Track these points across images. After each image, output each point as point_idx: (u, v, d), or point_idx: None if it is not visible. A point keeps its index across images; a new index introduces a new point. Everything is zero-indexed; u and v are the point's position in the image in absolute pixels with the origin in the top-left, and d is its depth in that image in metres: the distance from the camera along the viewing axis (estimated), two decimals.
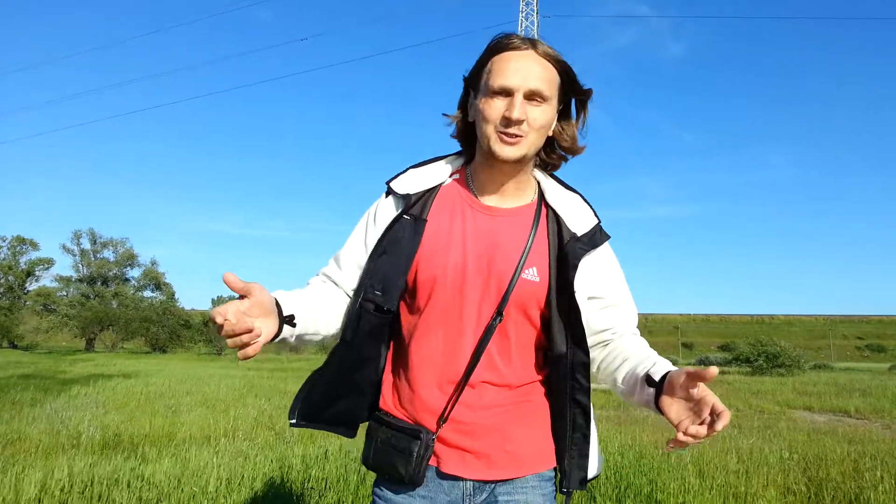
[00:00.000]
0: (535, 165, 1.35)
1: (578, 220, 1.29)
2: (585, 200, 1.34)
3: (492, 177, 1.29)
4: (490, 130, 1.21)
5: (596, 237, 1.28)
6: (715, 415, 1.05)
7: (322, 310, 1.29)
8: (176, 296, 45.99)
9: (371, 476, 4.19)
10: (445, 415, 1.22)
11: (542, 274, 1.25)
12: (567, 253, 1.24)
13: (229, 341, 1.02)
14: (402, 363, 1.30)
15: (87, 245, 45.23)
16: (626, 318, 1.34)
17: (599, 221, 1.31)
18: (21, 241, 45.41)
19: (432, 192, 1.31)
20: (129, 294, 44.38)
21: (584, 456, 1.28)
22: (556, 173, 1.37)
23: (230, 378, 13.87)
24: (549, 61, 1.22)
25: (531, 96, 1.20)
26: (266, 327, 1.09)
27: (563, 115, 1.30)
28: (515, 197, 1.31)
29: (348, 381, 1.30)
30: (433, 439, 1.23)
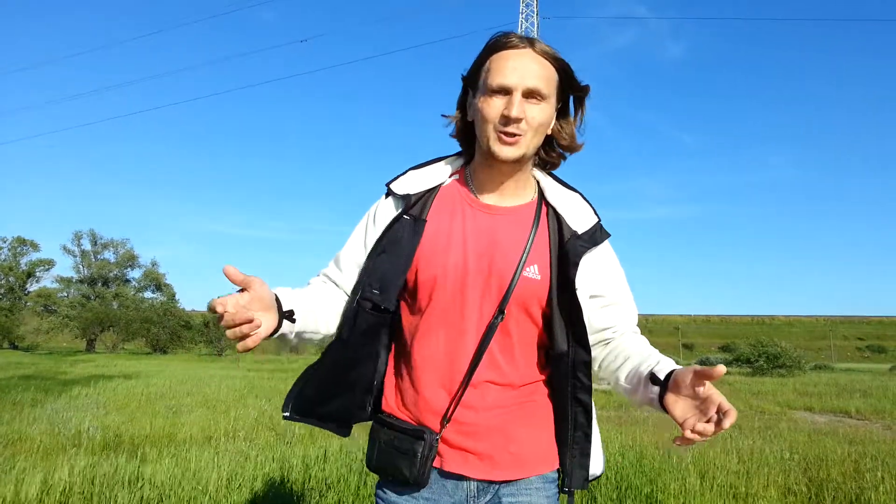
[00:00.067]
0: (535, 164, 1.35)
1: (579, 218, 1.29)
2: (585, 199, 1.34)
3: (491, 176, 1.29)
4: (489, 130, 1.21)
5: (596, 235, 1.28)
6: (721, 413, 1.05)
7: (322, 309, 1.29)
8: (176, 297, 46.07)
9: (372, 477, 4.19)
10: (448, 415, 1.22)
11: (543, 272, 1.25)
12: (568, 251, 1.24)
13: (228, 332, 1.01)
14: (404, 364, 1.30)
15: (87, 246, 45.29)
16: (626, 317, 1.34)
17: (599, 220, 1.31)
18: (22, 242, 45.46)
19: (432, 192, 1.31)
20: (130, 295, 44.39)
21: (586, 455, 1.28)
22: (555, 173, 1.38)
23: (231, 379, 13.87)
24: (547, 59, 1.22)
25: (529, 95, 1.20)
26: (265, 321, 1.09)
27: (561, 113, 1.30)
28: (515, 196, 1.31)
29: (343, 378, 1.29)
30: (437, 440, 1.22)
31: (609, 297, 1.32)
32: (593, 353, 1.29)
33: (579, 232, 1.27)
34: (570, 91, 1.29)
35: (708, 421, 1.06)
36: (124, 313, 39.36)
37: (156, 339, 37.23)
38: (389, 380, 1.32)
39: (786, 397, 12.25)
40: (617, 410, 9.38)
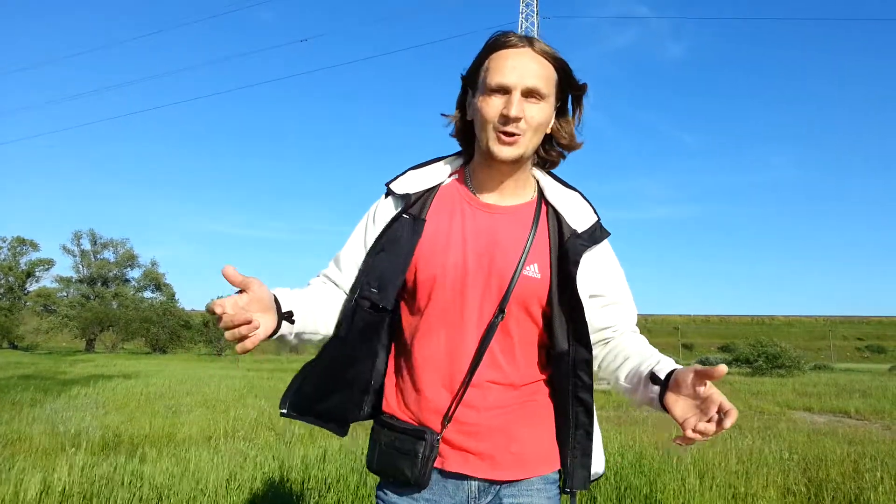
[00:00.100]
0: (534, 164, 1.35)
1: (578, 217, 1.29)
2: (584, 198, 1.34)
3: (490, 176, 1.29)
4: (488, 129, 1.21)
5: (596, 234, 1.28)
6: (722, 413, 1.05)
7: (322, 309, 1.28)
8: (176, 296, 46.07)
9: (372, 477, 4.19)
10: (450, 415, 1.22)
11: (543, 271, 1.24)
12: (568, 249, 1.24)
13: (227, 333, 1.01)
14: (405, 365, 1.29)
15: (87, 246, 45.29)
16: (626, 316, 1.35)
17: (599, 218, 1.31)
18: (21, 241, 45.45)
19: (431, 191, 1.31)
20: (130, 295, 44.39)
21: (588, 455, 1.28)
22: (555, 172, 1.37)
23: (230, 379, 13.87)
24: (546, 59, 1.22)
25: (529, 94, 1.20)
26: (264, 322, 1.09)
27: (560, 112, 1.30)
28: (515, 195, 1.31)
29: (340, 377, 1.29)
30: (438, 440, 1.22)
31: (609, 296, 1.32)
32: (593, 353, 1.29)
33: (579, 231, 1.27)
34: (569, 90, 1.29)
35: (709, 420, 1.06)
36: (124, 313, 39.37)
37: (155, 339, 37.24)
38: (390, 380, 1.32)
39: (785, 397, 12.25)
40: (616, 410, 9.38)
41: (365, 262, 1.28)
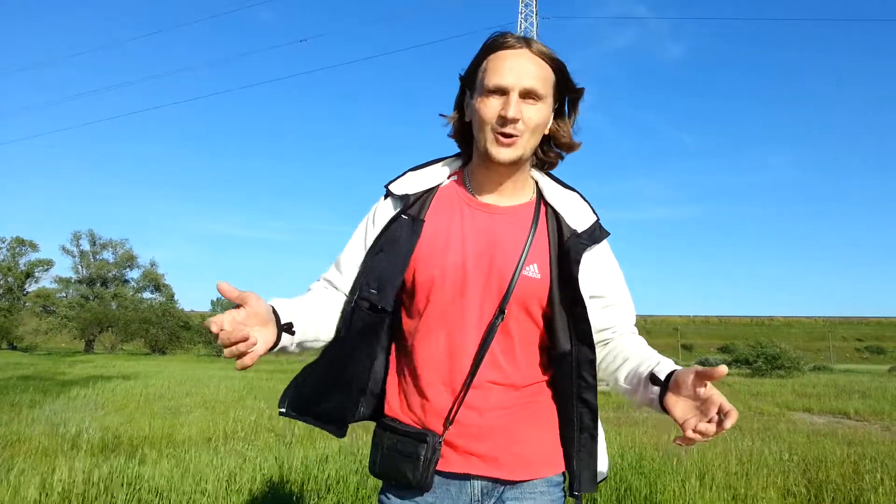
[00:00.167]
0: (533, 165, 1.35)
1: (578, 217, 1.29)
2: (583, 198, 1.34)
3: (489, 177, 1.29)
4: (486, 130, 1.21)
5: (596, 233, 1.28)
6: (722, 413, 1.05)
7: (322, 315, 1.28)
8: (175, 297, 46.06)
9: (373, 479, 4.19)
10: (451, 417, 1.21)
11: (543, 271, 1.24)
12: (569, 249, 1.24)
13: (226, 351, 1.00)
14: (406, 366, 1.29)
15: (86, 246, 45.28)
16: (625, 317, 1.34)
17: (598, 218, 1.31)
18: (20, 242, 45.42)
19: (430, 192, 1.31)
20: (129, 295, 44.38)
21: (594, 457, 1.27)
22: (553, 173, 1.37)
23: (230, 380, 13.86)
24: (543, 60, 1.22)
25: (526, 95, 1.19)
26: (263, 336, 1.08)
27: (558, 113, 1.30)
28: (514, 195, 1.31)
29: (338, 377, 1.29)
30: (440, 442, 1.21)
31: (609, 297, 1.32)
32: None
33: (579, 231, 1.26)
34: (567, 92, 1.29)
35: (709, 421, 1.06)
36: (123, 314, 39.35)
37: (154, 340, 37.21)
38: (391, 383, 1.31)
39: (785, 398, 12.25)
40: (616, 411, 9.38)
41: (364, 262, 1.28)
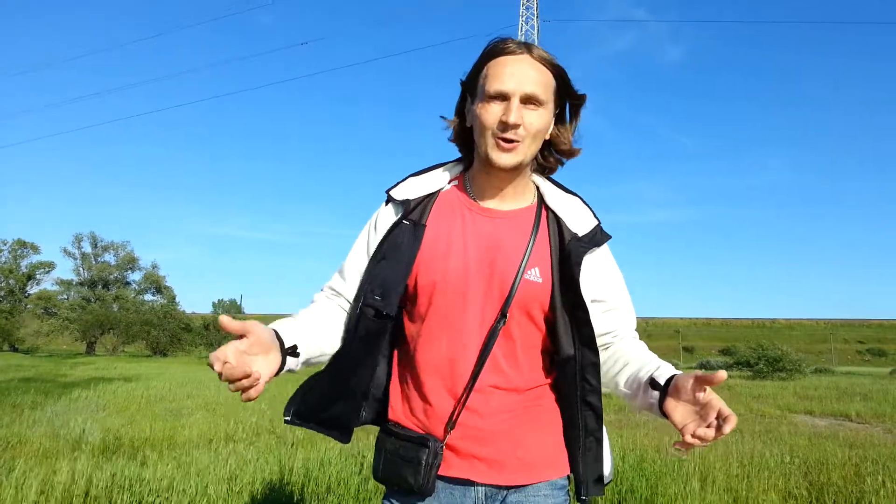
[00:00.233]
0: (533, 169, 1.35)
1: (579, 221, 1.29)
2: (584, 202, 1.34)
3: (490, 182, 1.29)
4: (487, 136, 1.21)
5: (597, 237, 1.29)
6: (721, 418, 1.05)
7: (325, 330, 1.28)
8: (176, 299, 46.07)
9: (374, 482, 4.19)
10: (453, 421, 1.21)
11: (544, 275, 1.25)
12: (570, 252, 1.24)
13: (230, 386, 1.01)
14: (408, 371, 1.29)
15: (88, 248, 45.32)
16: (626, 322, 1.35)
17: (599, 222, 1.32)
18: (22, 244, 45.46)
19: (431, 197, 1.31)
20: (130, 297, 44.41)
21: (599, 460, 1.28)
22: (554, 177, 1.38)
23: None
24: (544, 65, 1.22)
25: (527, 100, 1.20)
26: (268, 364, 1.09)
27: (559, 118, 1.31)
28: (514, 200, 1.31)
29: (343, 385, 1.29)
30: (441, 447, 1.21)
31: (610, 302, 1.32)
32: None
33: (580, 234, 1.27)
34: (567, 98, 1.29)
35: (708, 426, 1.06)
36: (124, 316, 39.35)
37: (156, 342, 37.20)
38: (394, 388, 1.32)
39: (786, 401, 12.23)
40: (617, 413, 9.37)
41: (367, 270, 1.28)
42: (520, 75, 1.19)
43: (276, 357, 1.12)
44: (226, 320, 1.03)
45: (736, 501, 4.22)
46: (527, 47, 1.23)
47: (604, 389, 1.31)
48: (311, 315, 1.29)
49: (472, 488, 1.23)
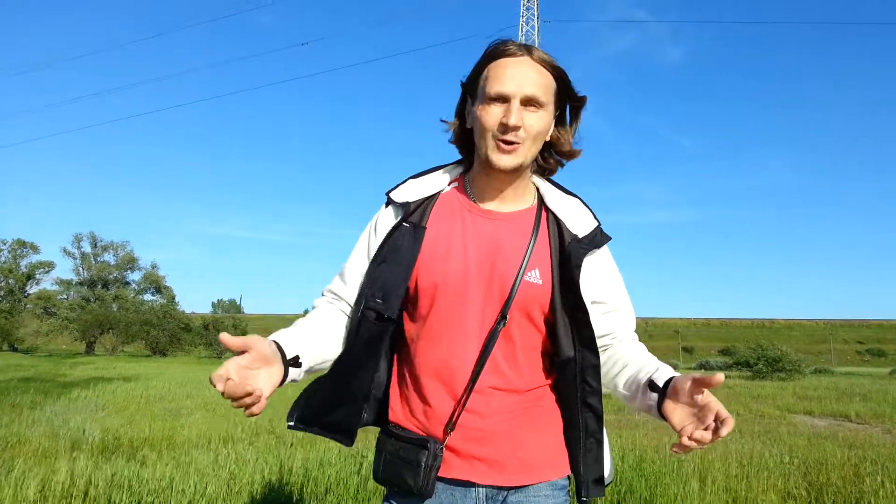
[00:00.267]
0: (533, 171, 1.35)
1: (579, 222, 1.29)
2: (585, 204, 1.34)
3: (490, 183, 1.29)
4: (488, 138, 1.21)
5: (597, 238, 1.29)
6: (719, 421, 1.05)
7: (327, 336, 1.28)
8: (176, 299, 46.10)
9: (373, 482, 4.19)
10: (453, 422, 1.21)
11: (544, 276, 1.24)
12: (570, 254, 1.24)
13: (233, 404, 1.01)
14: (408, 373, 1.29)
15: (87, 248, 45.37)
16: (626, 323, 1.34)
17: (599, 224, 1.32)
18: (22, 244, 45.47)
19: (431, 199, 1.31)
20: (130, 297, 44.44)
21: (599, 461, 1.28)
22: (554, 178, 1.38)
23: None
24: (544, 67, 1.22)
25: (528, 102, 1.20)
26: (270, 377, 1.09)
27: (559, 120, 1.30)
28: (515, 202, 1.31)
29: (346, 389, 1.29)
30: (441, 448, 1.21)
31: (610, 303, 1.32)
32: None
33: (580, 236, 1.27)
34: (568, 100, 1.29)
35: (706, 428, 1.07)
36: (124, 316, 39.38)
37: (155, 342, 37.23)
38: (394, 389, 1.32)
39: (785, 401, 12.24)
40: (616, 414, 9.38)
41: (368, 273, 1.28)
42: (520, 77, 1.19)
43: (278, 369, 1.12)
44: (226, 337, 1.03)
45: (735, 501, 4.23)
46: (527, 49, 1.23)
47: (603, 390, 1.31)
48: (312, 322, 1.29)
49: (473, 489, 1.23)
